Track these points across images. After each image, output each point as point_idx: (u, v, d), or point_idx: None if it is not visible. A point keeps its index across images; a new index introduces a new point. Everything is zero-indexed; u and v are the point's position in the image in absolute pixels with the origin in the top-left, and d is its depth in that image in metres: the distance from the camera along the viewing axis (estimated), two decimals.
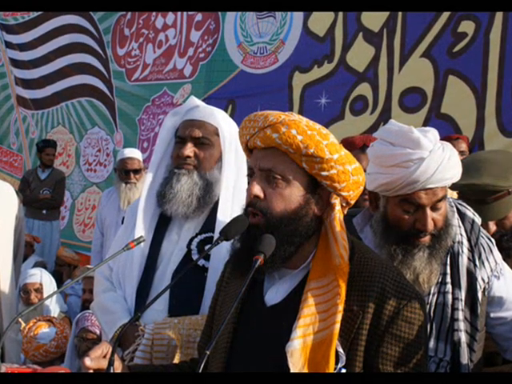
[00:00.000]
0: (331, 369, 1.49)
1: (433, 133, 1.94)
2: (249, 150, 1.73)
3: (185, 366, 1.85)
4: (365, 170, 1.79)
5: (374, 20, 5.65)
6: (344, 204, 1.69)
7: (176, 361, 2.06)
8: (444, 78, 5.25)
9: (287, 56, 6.27)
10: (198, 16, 7.10)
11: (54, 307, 5.00)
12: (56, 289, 5.05)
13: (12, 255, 2.88)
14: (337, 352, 1.52)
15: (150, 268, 2.27)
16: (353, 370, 1.53)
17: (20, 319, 3.74)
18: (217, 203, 2.28)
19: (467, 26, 5.14)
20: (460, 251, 2.06)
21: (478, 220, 2.17)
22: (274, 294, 1.67)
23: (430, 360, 1.98)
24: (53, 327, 4.14)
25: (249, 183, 1.66)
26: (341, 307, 1.53)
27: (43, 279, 5.03)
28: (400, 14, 5.52)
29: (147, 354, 2.11)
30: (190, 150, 2.26)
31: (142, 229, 2.30)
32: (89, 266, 5.30)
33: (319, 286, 1.58)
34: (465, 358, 1.98)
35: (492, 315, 2.11)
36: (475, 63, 5.04)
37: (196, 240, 2.26)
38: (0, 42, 9.60)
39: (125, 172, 5.17)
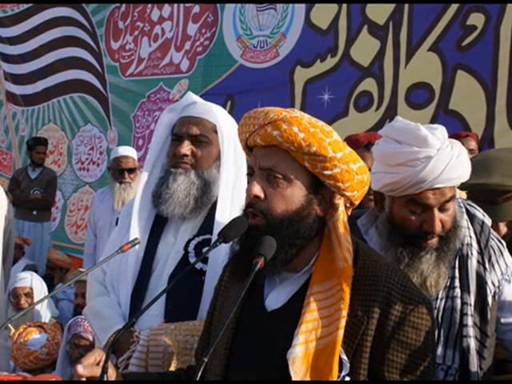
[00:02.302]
0: (334, 377, 1.49)
1: (441, 130, 1.94)
2: (248, 148, 1.73)
3: (182, 374, 1.85)
4: (369, 169, 1.79)
5: (379, 12, 5.65)
6: (348, 204, 1.70)
7: (172, 368, 2.07)
8: (452, 72, 5.25)
9: (288, 50, 6.27)
10: (196, 8, 7.10)
11: (45, 312, 5.01)
12: (47, 293, 5.05)
13: (1, 258, 2.89)
14: (340, 359, 1.52)
15: (145, 271, 2.27)
16: (357, 377, 1.53)
17: (9, 325, 3.74)
18: (215, 204, 2.29)
19: (476, 19, 5.14)
20: (469, 254, 2.06)
21: (488, 221, 2.17)
22: (275, 299, 1.67)
23: (437, 367, 1.98)
24: (44, 333, 4.14)
25: (248, 183, 1.66)
26: (344, 312, 1.53)
27: (34, 283, 5.03)
28: (406, 5, 5.52)
29: (142, 362, 2.12)
30: (187, 148, 2.27)
31: (137, 230, 2.31)
32: (81, 270, 5.31)
33: (322, 290, 1.58)
34: (474, 365, 1.98)
35: (502, 321, 2.11)
36: (485, 57, 5.04)
37: (193, 242, 2.27)
38: None
39: (119, 171, 5.18)
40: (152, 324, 2.18)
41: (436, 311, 1.99)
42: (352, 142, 3.27)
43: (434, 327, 1.64)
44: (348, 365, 1.53)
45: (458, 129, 4.98)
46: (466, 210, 2.15)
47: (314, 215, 1.63)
